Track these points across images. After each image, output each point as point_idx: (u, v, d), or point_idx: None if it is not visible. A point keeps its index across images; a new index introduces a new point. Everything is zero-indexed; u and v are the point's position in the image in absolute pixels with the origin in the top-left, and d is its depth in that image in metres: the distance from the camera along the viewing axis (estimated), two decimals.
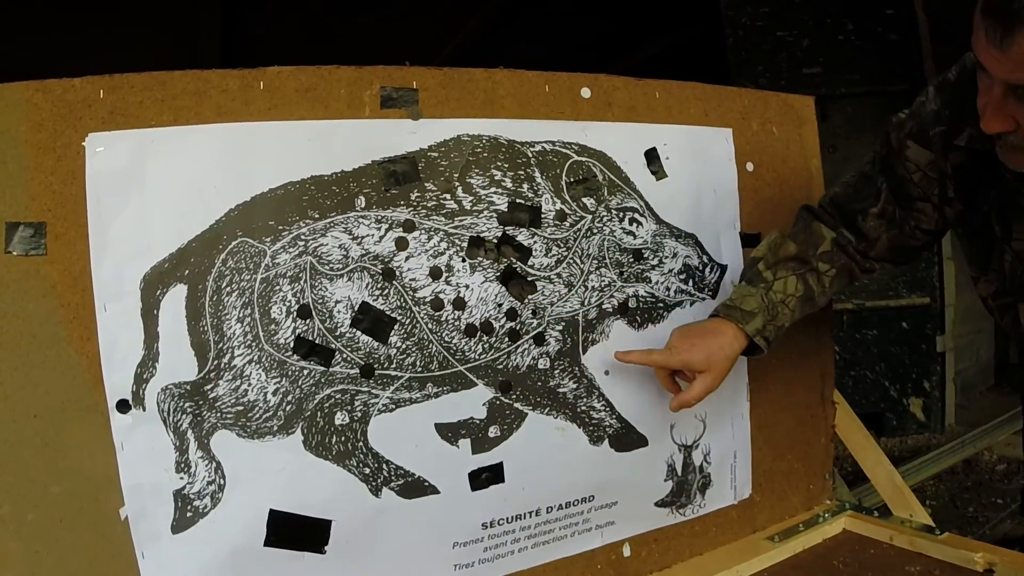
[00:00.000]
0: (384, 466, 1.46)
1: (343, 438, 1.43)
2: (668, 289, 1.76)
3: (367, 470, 1.45)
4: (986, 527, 4.14)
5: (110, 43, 5.60)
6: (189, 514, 1.33)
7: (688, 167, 1.79)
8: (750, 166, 1.92)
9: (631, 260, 1.70)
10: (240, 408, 1.36)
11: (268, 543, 1.39)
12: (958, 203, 1.76)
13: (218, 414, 1.35)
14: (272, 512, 1.39)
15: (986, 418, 5.65)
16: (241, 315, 1.36)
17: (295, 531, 1.41)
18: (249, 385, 1.36)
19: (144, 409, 1.30)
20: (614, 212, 1.67)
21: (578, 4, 6.25)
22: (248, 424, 1.36)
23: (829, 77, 5.39)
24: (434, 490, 1.51)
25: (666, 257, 1.75)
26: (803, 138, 2.06)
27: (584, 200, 1.64)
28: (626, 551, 1.75)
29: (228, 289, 1.35)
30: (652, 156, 1.74)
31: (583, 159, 1.64)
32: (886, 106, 5.39)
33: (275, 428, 1.38)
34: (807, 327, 2.00)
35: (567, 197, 1.62)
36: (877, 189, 1.83)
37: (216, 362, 1.34)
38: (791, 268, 1.77)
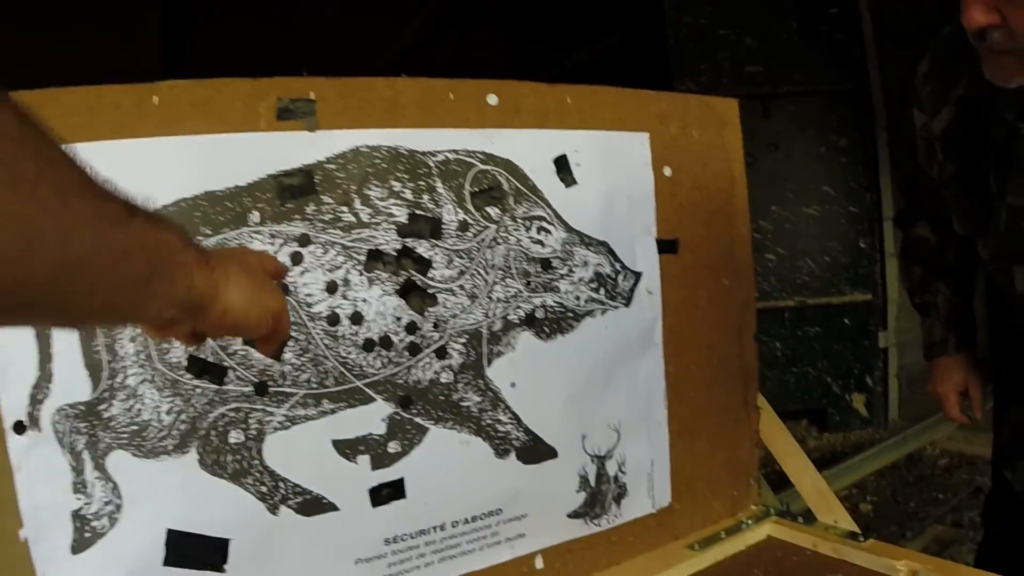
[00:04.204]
0: (281, 484, 1.44)
1: (238, 456, 1.41)
2: (579, 298, 1.74)
3: (264, 488, 1.43)
4: (926, 523, 4.14)
5: (47, 45, 5.50)
6: (88, 535, 1.31)
7: (600, 173, 1.77)
8: (668, 171, 1.89)
9: (539, 270, 1.68)
10: (135, 428, 1.34)
11: (167, 562, 1.36)
12: (949, 165, 1.78)
13: (113, 434, 1.33)
14: (170, 531, 1.36)
15: (931, 412, 5.65)
16: (134, 334, 1.34)
17: (193, 550, 1.38)
18: (143, 405, 1.34)
19: (40, 430, 1.28)
20: (520, 221, 1.65)
21: (525, 4, 6.22)
22: (143, 444, 1.34)
23: (772, 75, 5.42)
24: (333, 507, 1.49)
25: (576, 266, 1.73)
26: (725, 141, 2.04)
27: (488, 209, 1.62)
28: (538, 563, 1.73)
29: None
30: (562, 163, 1.72)
31: (488, 168, 1.62)
32: (830, 104, 5.47)
33: (170, 447, 1.36)
34: (727, 329, 2.02)
35: (470, 207, 1.60)
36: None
37: (110, 382, 1.32)
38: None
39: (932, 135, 1.78)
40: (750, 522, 2.00)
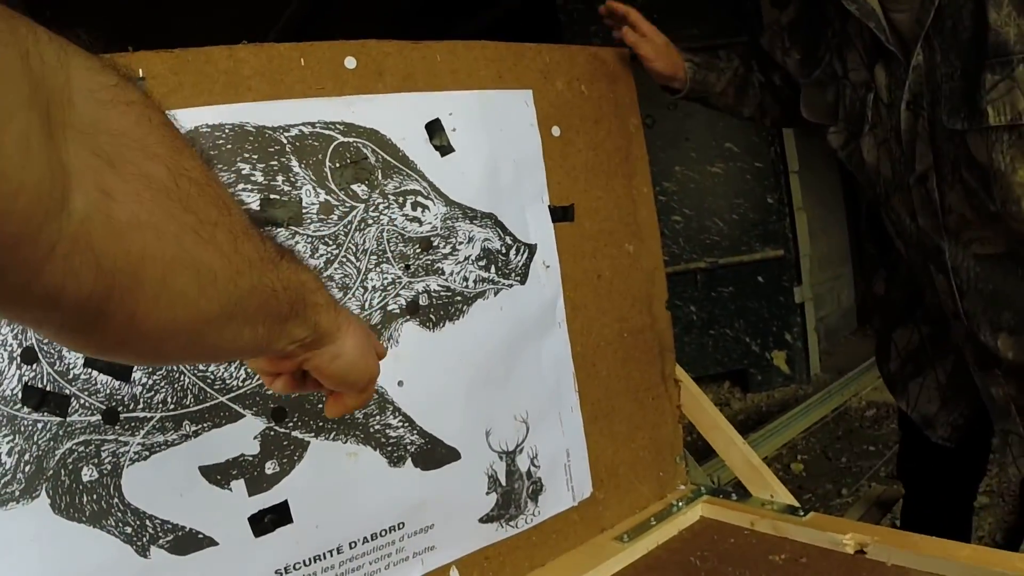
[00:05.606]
0: (148, 522, 1.29)
1: (95, 496, 1.25)
2: (466, 279, 1.61)
3: (128, 529, 1.27)
4: (862, 478, 4.09)
5: None
6: None
7: (480, 137, 1.64)
8: (556, 130, 1.78)
9: (418, 251, 1.55)
10: None
11: None
12: (795, 52, 2.02)
13: None
14: None
15: (852, 364, 5.69)
16: None
17: None
18: None
19: None
20: (392, 197, 1.51)
21: None
22: None
23: (666, 32, 5.29)
24: (211, 542, 1.34)
25: (460, 243, 1.59)
26: (617, 95, 1.93)
27: (354, 187, 1.48)
28: (454, 575, 1.58)
29: None
30: (435, 129, 1.58)
31: (350, 140, 1.48)
32: None
33: (17, 493, 1.20)
34: (636, 299, 1.91)
35: (333, 186, 1.45)
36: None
37: None
38: None
39: (780, 26, 2.03)
40: (681, 504, 1.90)
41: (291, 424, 1.40)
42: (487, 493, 1.64)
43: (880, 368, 2.30)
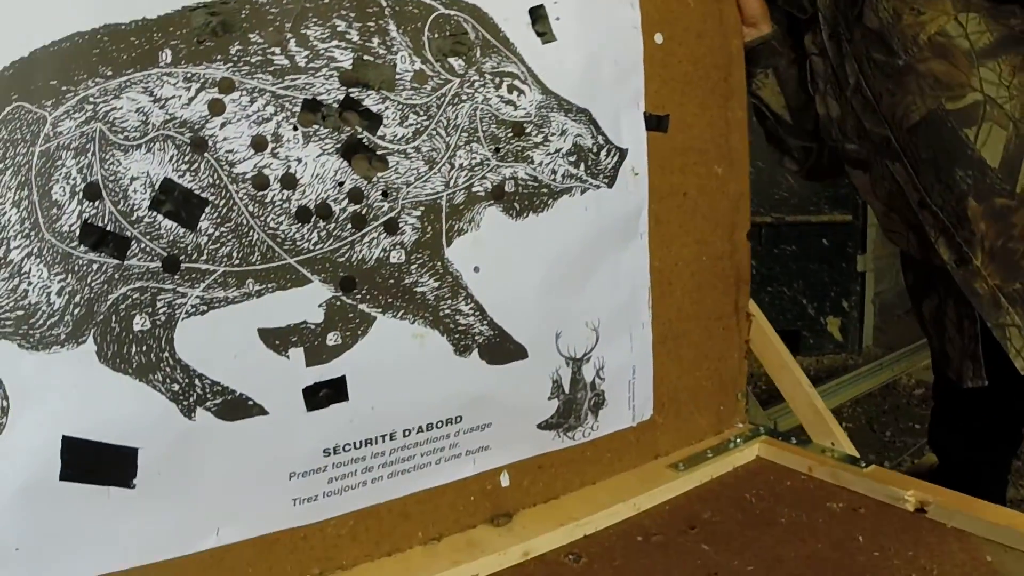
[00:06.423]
0: (197, 381, 1.22)
1: (144, 347, 1.18)
2: (555, 172, 1.53)
3: (176, 386, 1.21)
4: (904, 453, 4.04)
5: None
6: None
7: (583, 31, 1.55)
8: (659, 37, 1.69)
9: (510, 135, 1.47)
10: (20, 313, 1.11)
11: (64, 476, 1.14)
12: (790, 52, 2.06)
13: None
14: (66, 439, 1.14)
15: (903, 341, 5.57)
16: (16, 197, 1.09)
17: (95, 461, 1.17)
18: (29, 284, 1.11)
19: None
20: (488, 77, 1.43)
21: None
22: (31, 332, 1.11)
23: None
24: (261, 410, 1.28)
25: (553, 134, 1.52)
26: (723, 14, 1.84)
27: (451, 61, 1.39)
28: (504, 480, 1.55)
29: (1, 167, 1.09)
30: (539, 14, 1.49)
31: (451, 12, 1.39)
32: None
33: (63, 336, 1.13)
34: (719, 223, 1.84)
35: (429, 56, 1.37)
36: None
37: None
38: None
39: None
40: (739, 441, 1.84)
41: (359, 296, 1.33)
42: (549, 399, 1.58)
43: (931, 351, 2.28)
